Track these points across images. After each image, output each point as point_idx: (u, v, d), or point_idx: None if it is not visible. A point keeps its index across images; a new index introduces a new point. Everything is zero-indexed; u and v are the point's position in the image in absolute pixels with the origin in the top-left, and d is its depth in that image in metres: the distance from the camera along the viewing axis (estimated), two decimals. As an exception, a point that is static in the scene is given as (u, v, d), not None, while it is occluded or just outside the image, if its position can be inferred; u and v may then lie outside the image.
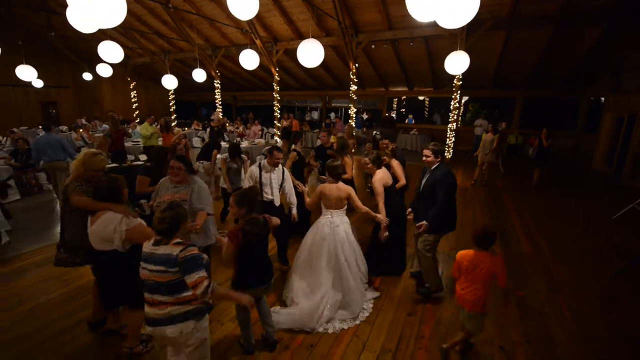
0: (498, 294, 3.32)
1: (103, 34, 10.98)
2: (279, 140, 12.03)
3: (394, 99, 17.74)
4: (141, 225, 2.27)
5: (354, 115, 10.87)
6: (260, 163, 3.62)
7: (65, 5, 3.88)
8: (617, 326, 2.94)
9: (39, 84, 11.73)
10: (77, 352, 2.56)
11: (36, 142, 5.81)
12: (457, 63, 6.48)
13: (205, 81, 10.77)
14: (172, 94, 14.65)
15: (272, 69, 11.78)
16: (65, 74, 16.09)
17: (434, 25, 7.19)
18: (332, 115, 17.19)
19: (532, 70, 10.25)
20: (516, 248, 4.51)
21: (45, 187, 6.66)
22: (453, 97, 9.13)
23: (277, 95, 12.37)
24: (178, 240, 1.86)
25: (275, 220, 2.43)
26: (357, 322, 2.84)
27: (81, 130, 10.27)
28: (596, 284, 3.66)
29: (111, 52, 6.61)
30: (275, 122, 12.68)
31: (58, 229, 3.64)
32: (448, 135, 9.39)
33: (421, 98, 17.49)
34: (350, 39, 9.67)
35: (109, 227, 2.17)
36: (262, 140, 10.54)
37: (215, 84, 13.32)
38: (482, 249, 2.29)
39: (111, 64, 9.81)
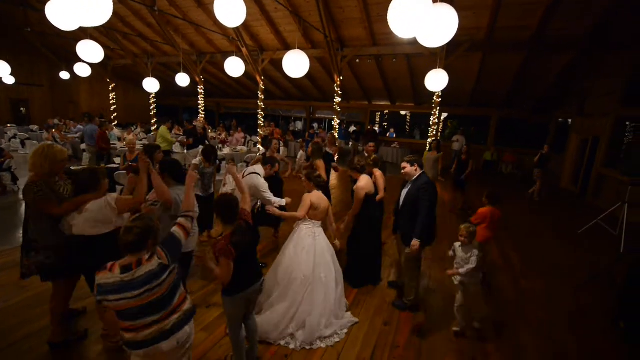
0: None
1: (83, 33, 10.66)
2: (261, 148, 11.98)
3: (377, 113, 18.21)
4: (120, 197, 2.40)
5: (337, 126, 11.03)
6: (258, 172, 3.53)
7: (44, 2, 3.77)
8: (584, 340, 3.05)
9: (10, 80, 11.21)
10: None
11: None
12: (436, 80, 6.74)
13: (188, 86, 10.65)
14: (153, 97, 14.34)
15: (257, 78, 11.82)
16: (40, 72, 15.45)
17: (415, 43, 7.50)
18: (316, 125, 17.39)
19: (506, 91, 10.83)
20: (488, 260, 4.65)
21: (10, 187, 6.28)
22: (432, 113, 9.46)
23: (262, 103, 12.39)
24: (148, 255, 1.65)
25: (247, 208, 2.39)
26: (316, 346, 2.65)
27: (54, 130, 9.82)
28: (566, 297, 3.80)
29: (91, 52, 6.41)
30: (258, 130, 12.64)
31: (16, 231, 3.43)
32: (426, 150, 9.67)
33: (403, 113, 18.02)
34: (335, 52, 9.90)
35: (103, 210, 2.23)
36: (245, 148, 10.46)
37: (198, 89, 13.18)
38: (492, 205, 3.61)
39: (90, 64, 9.53)
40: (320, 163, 4.61)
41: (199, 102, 13.36)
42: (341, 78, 10.51)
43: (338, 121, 10.98)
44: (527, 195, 8.40)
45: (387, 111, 17.62)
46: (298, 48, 5.83)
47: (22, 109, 15.43)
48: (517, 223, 6.44)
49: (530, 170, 12.04)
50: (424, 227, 2.94)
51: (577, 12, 6.80)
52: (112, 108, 15.42)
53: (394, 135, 16.14)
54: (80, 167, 6.52)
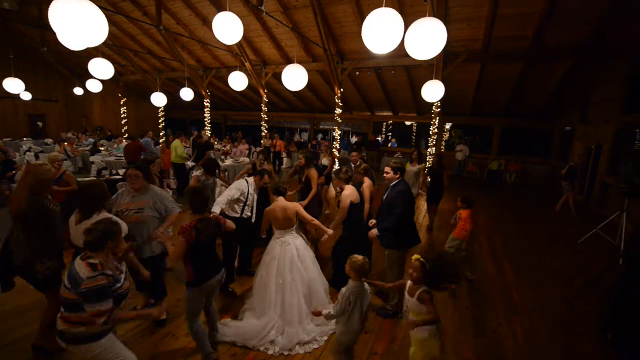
0: (455, 311, 3.40)
1: (95, 51, 11.26)
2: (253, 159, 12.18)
3: (383, 123, 18.33)
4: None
5: (339, 137, 11.17)
6: (247, 180, 3.67)
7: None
8: (571, 350, 3.01)
9: (26, 96, 11.80)
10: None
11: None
12: (433, 91, 6.82)
13: (195, 100, 11.02)
14: (161, 111, 14.83)
15: (261, 91, 12.13)
16: (56, 88, 16.19)
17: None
18: (320, 136, 17.59)
19: (507, 100, 10.82)
20: (481, 269, 4.62)
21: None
22: (432, 122, 9.51)
23: (265, 115, 12.67)
24: (94, 261, 1.74)
25: (230, 224, 2.59)
26: (294, 352, 2.69)
27: (65, 143, 10.25)
28: (558, 306, 3.75)
29: (101, 69, 6.73)
30: (262, 141, 12.88)
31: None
32: (428, 160, 9.67)
33: (408, 123, 18.10)
34: (335, 65, 10.12)
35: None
36: (247, 159, 10.66)
37: (205, 102, 13.58)
38: (467, 207, 4.08)
39: (102, 80, 9.99)
40: (314, 172, 4.70)
41: (205, 114, 13.75)
42: (342, 90, 10.69)
43: (339, 132, 11.12)
44: (554, 210, 7.99)
45: (390, 121, 17.74)
46: (299, 61, 6.03)
47: (39, 123, 16.14)
48: (514, 232, 6.37)
49: (534, 179, 11.92)
50: (390, 228, 3.07)
51: (574, 20, 6.82)
52: (123, 122, 15.97)
53: (396, 145, 16.21)
54: (88, 178, 6.77)
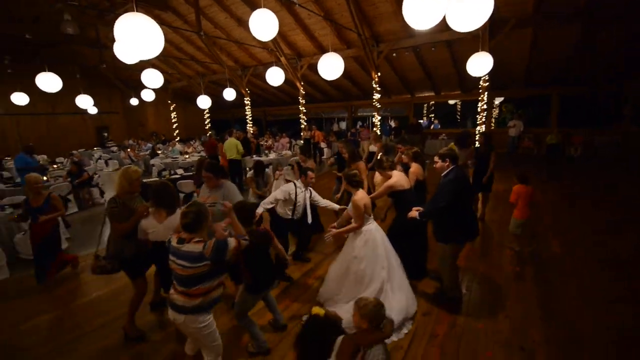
0: (520, 294, 3.25)
1: (146, 63, 12.22)
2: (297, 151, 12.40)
3: (424, 105, 17.53)
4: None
5: (379, 123, 10.96)
6: (295, 183, 3.80)
7: (114, 40, 4.53)
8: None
9: (94, 110, 13.21)
10: (114, 345, 2.89)
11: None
12: (479, 65, 6.33)
13: (236, 99, 11.49)
14: (207, 113, 15.70)
15: (297, 84, 12.27)
16: (115, 101, 17.93)
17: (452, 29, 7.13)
18: (359, 124, 17.37)
19: (565, 66, 9.72)
20: (545, 247, 4.30)
21: (97, 201, 7.47)
22: (480, 98, 8.91)
23: (303, 108, 12.81)
24: (198, 239, 2.02)
25: (279, 248, 2.70)
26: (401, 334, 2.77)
27: (129, 150, 11.36)
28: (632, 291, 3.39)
29: (152, 79, 7.31)
30: (301, 134, 13.09)
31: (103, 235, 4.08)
32: (477, 139, 9.10)
33: (452, 102, 17.12)
34: (370, 49, 9.88)
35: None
36: (289, 152, 10.93)
37: (245, 101, 14.11)
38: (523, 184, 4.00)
39: (153, 89, 10.84)
40: (362, 165, 4.69)
41: (246, 112, 14.30)
42: (379, 74, 10.43)
43: (379, 117, 10.90)
44: None
45: (432, 102, 16.91)
46: (333, 50, 5.98)
47: (104, 134, 18.07)
48: (571, 210, 5.80)
49: (603, 151, 10.60)
50: (430, 212, 2.98)
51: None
52: (174, 126, 17.21)
53: (439, 127, 15.42)
54: (151, 179, 7.45)
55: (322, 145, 12.68)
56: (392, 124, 15.97)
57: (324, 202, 4.02)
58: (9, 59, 10.79)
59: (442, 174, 3.03)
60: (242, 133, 10.45)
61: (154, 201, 2.68)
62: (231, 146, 8.09)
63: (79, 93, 10.31)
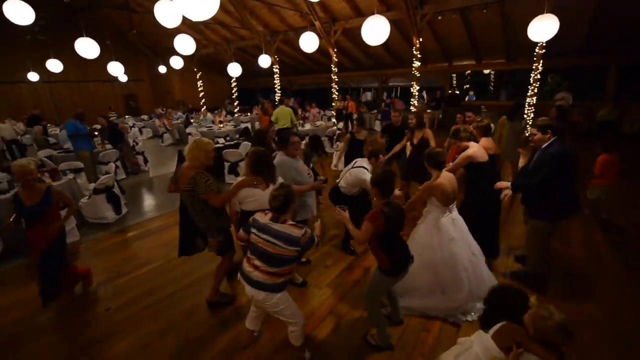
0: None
1: (174, 29, 11.85)
2: (335, 121, 12.09)
3: (453, 75, 16.51)
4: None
5: (417, 93, 10.42)
6: (366, 167, 3.44)
7: (143, 5, 4.26)
8: None
9: (124, 78, 13.19)
10: (198, 305, 2.98)
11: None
12: (543, 28, 5.76)
13: (261, 67, 11.12)
14: (234, 81, 15.41)
15: (330, 50, 11.70)
16: (141, 69, 17.83)
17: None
18: (385, 94, 16.61)
19: (631, 29, 8.71)
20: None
21: (142, 168, 7.61)
22: (534, 67, 8.23)
23: (336, 77, 12.31)
24: (291, 222, 2.04)
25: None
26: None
27: (162, 118, 11.40)
28: None
29: (185, 45, 7.04)
30: (333, 104, 12.70)
31: (157, 202, 4.02)
32: (527, 112, 8.50)
33: (486, 72, 16.07)
34: (414, 11, 9.16)
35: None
36: (323, 123, 10.67)
37: (274, 69, 13.68)
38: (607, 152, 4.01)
39: (181, 56, 10.58)
40: (430, 132, 4.43)
41: (275, 81, 13.91)
42: (420, 39, 9.74)
43: (417, 87, 10.34)
44: None
45: (468, 71, 15.90)
46: (371, 13, 5.53)
47: (131, 102, 18.20)
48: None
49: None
50: (527, 185, 2.83)
51: None
52: (200, 95, 17.08)
53: (474, 98, 14.59)
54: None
55: (354, 116, 12.29)
56: (425, 95, 15.23)
57: None
58: (43, 25, 10.70)
59: (542, 147, 2.81)
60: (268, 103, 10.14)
61: (252, 170, 2.58)
62: (285, 114, 7.70)
63: (109, 60, 10.22)
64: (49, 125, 11.53)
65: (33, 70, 11.16)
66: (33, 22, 4.44)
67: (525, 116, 7.55)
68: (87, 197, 4.66)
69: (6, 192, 4.12)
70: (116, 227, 4.70)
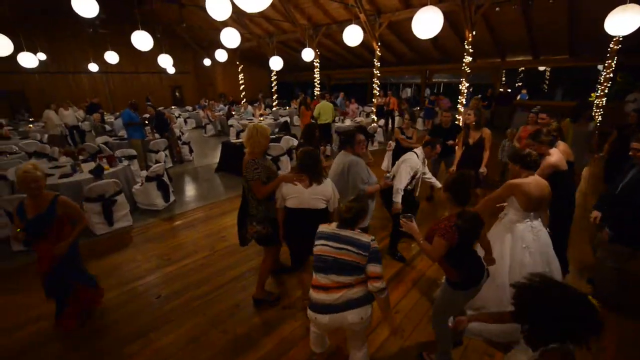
0: None
1: (221, 23, 12.11)
2: (375, 118, 11.76)
3: (503, 71, 15.34)
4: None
5: (465, 91, 9.79)
6: (417, 152, 3.33)
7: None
8: None
9: (172, 70, 13.78)
10: (244, 301, 2.95)
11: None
12: (624, 21, 5.03)
13: (301, 61, 11.03)
14: (274, 75, 15.51)
15: (374, 44, 11.33)
16: (187, 61, 18.54)
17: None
18: (427, 91, 15.87)
19: None
20: None
21: (187, 157, 7.87)
22: (606, 64, 7.37)
23: (378, 72, 11.93)
24: (359, 230, 1.93)
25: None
26: None
27: (206, 109, 11.77)
28: None
29: (231, 38, 7.12)
30: (373, 100, 12.35)
31: (201, 192, 3.96)
32: (594, 113, 7.66)
33: (541, 69, 14.78)
34: (468, 2, 8.54)
35: (328, 186, 2.47)
36: (362, 119, 10.41)
37: (314, 63, 13.56)
38: None
39: (226, 49, 10.78)
40: (488, 132, 4.08)
41: (315, 75, 13.80)
42: (473, 32, 9.09)
43: (466, 85, 9.71)
44: None
45: (522, 68, 14.73)
46: (422, 4, 5.13)
47: (177, 93, 19.05)
48: None
49: None
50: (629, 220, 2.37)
51: None
52: (241, 88, 17.45)
53: (527, 97, 13.46)
54: (236, 140, 7.59)
55: (395, 113, 11.87)
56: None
57: (431, 178, 3.64)
58: (104, 19, 11.40)
59: None
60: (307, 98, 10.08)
61: (299, 167, 2.50)
62: (327, 109, 7.74)
63: (159, 53, 10.64)
64: (105, 113, 12.35)
65: (93, 62, 11.98)
66: (95, 16, 4.67)
67: (593, 118, 6.77)
68: (140, 184, 4.87)
69: (69, 175, 4.41)
70: (165, 214, 4.88)
